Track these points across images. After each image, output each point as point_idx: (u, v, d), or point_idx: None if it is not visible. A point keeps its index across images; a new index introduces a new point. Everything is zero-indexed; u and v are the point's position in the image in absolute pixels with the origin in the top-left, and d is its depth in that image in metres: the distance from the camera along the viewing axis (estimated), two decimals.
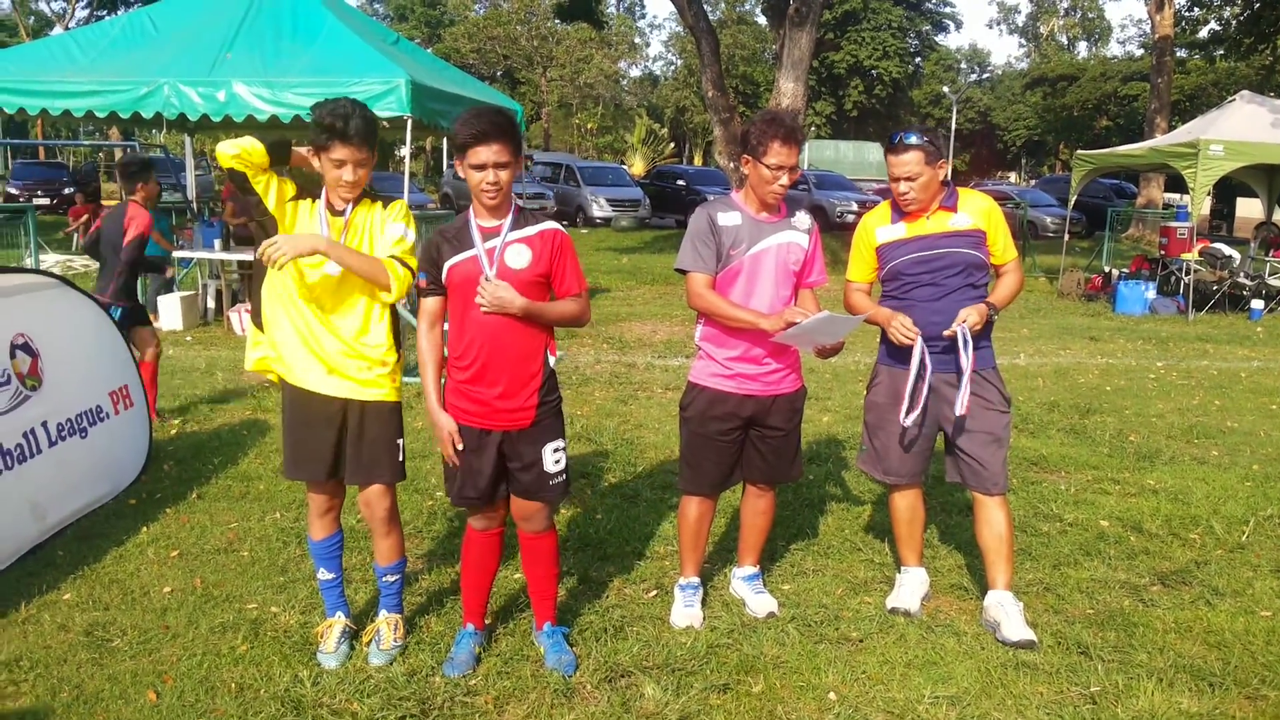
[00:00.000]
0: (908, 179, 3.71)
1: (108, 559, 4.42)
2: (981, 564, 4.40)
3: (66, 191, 26.23)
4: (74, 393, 4.91)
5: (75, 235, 19.15)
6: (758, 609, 3.99)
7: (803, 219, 3.79)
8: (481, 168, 3.19)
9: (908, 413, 3.80)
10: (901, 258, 3.83)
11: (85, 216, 19.19)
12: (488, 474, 3.39)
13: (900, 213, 3.86)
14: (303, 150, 3.38)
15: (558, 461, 3.46)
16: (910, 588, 4.09)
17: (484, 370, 3.30)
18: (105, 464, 5.11)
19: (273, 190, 3.32)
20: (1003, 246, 3.88)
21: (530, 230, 3.34)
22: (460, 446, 3.35)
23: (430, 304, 3.37)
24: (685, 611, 3.92)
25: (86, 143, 31.13)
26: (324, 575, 3.65)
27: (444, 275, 3.30)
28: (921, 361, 3.75)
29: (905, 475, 4.00)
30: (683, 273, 3.75)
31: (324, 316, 3.37)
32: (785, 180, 3.60)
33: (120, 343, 5.46)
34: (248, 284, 10.98)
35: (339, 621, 3.62)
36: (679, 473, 3.97)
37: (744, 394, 3.74)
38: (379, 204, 3.42)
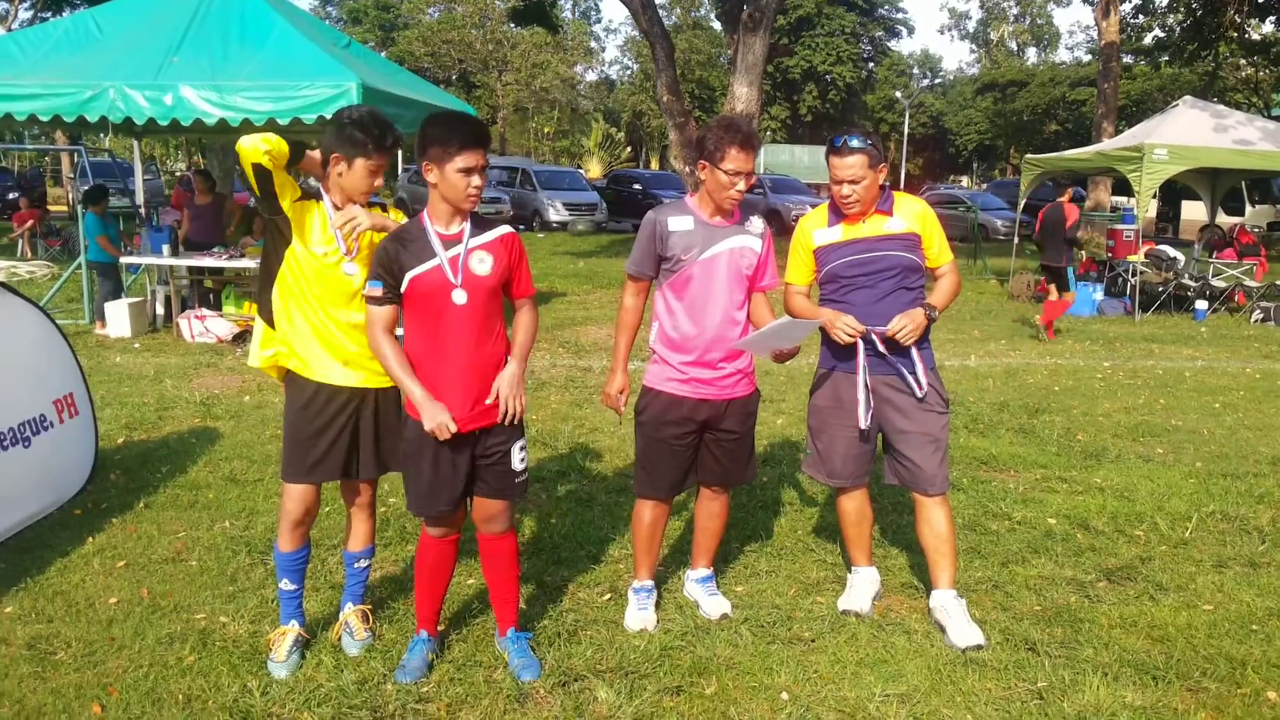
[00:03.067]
0: (851, 182, 3.72)
1: (51, 570, 4.34)
2: None
3: (11, 197, 25.66)
4: (16, 401, 4.82)
5: (20, 241, 18.79)
6: (711, 611, 4.00)
7: (756, 223, 3.82)
8: (469, 171, 3.20)
9: (866, 413, 3.82)
10: (838, 260, 3.84)
11: (30, 222, 18.87)
12: (462, 478, 3.39)
13: (838, 215, 3.88)
14: (315, 154, 3.40)
15: (522, 460, 3.50)
16: (861, 588, 4.13)
17: (453, 378, 3.29)
18: (49, 474, 5.02)
19: (287, 189, 3.35)
20: (938, 249, 3.91)
21: (490, 236, 3.36)
22: (454, 429, 3.28)
23: (385, 312, 3.30)
24: (639, 614, 3.93)
25: (31, 147, 30.54)
26: (287, 586, 3.60)
27: (404, 286, 3.26)
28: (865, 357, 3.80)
29: (849, 478, 4.02)
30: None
31: (342, 318, 3.42)
32: (742, 185, 3.63)
33: (65, 350, 5.36)
34: (197, 290, 10.84)
35: (293, 630, 3.58)
36: (634, 476, 3.97)
37: (699, 398, 3.76)
38: (376, 208, 3.51)
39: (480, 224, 3.37)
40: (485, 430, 3.38)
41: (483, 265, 3.30)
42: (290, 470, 3.51)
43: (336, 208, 3.41)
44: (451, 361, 3.28)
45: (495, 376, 3.35)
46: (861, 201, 3.76)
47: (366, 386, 3.50)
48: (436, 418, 3.23)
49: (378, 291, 3.27)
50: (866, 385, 3.82)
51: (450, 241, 3.29)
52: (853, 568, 4.21)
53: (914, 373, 3.80)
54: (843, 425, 3.92)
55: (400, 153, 16.87)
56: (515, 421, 3.38)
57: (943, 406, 3.91)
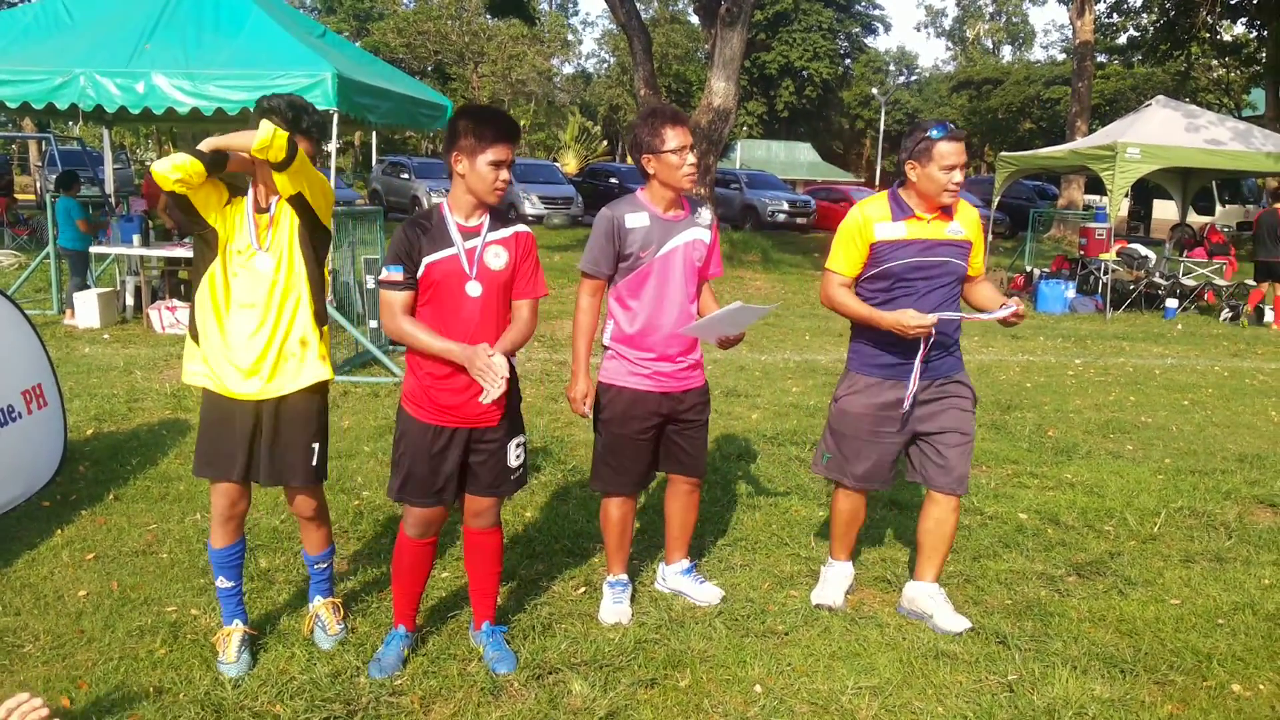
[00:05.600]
0: (961, 167, 3.60)
1: (19, 562, 4.29)
2: (905, 556, 4.51)
3: None
4: None
5: None
6: (709, 597, 4.05)
7: (704, 214, 3.84)
8: (499, 165, 3.21)
9: (910, 405, 3.76)
10: (899, 260, 3.67)
11: None
12: (452, 472, 3.38)
13: (903, 210, 3.70)
14: (244, 155, 3.28)
15: (519, 456, 3.50)
16: (835, 582, 4.14)
17: (463, 370, 3.27)
18: (17, 465, 4.95)
19: (212, 200, 3.27)
20: (981, 259, 3.89)
21: (506, 232, 3.37)
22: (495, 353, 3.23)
23: (403, 298, 3.26)
24: (615, 608, 3.93)
25: None
26: (223, 583, 3.55)
27: (420, 271, 3.25)
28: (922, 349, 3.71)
29: (876, 482, 3.93)
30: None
31: (245, 323, 3.33)
32: (692, 159, 3.63)
33: (34, 340, 5.30)
34: (168, 281, 10.73)
35: (237, 629, 3.52)
36: (596, 476, 3.92)
37: (662, 391, 3.77)
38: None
39: (498, 219, 3.36)
40: (481, 429, 3.38)
41: (498, 260, 3.31)
42: (198, 466, 3.47)
43: (256, 202, 3.34)
44: None
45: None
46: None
47: (263, 398, 3.39)
48: (480, 355, 3.17)
49: (397, 276, 3.24)
50: (916, 381, 3.75)
51: (469, 234, 3.29)
52: (830, 560, 4.22)
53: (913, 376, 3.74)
54: (880, 432, 3.83)
55: (375, 144, 16.74)
56: (498, 404, 3.30)
57: (973, 407, 3.89)
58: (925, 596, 3.93)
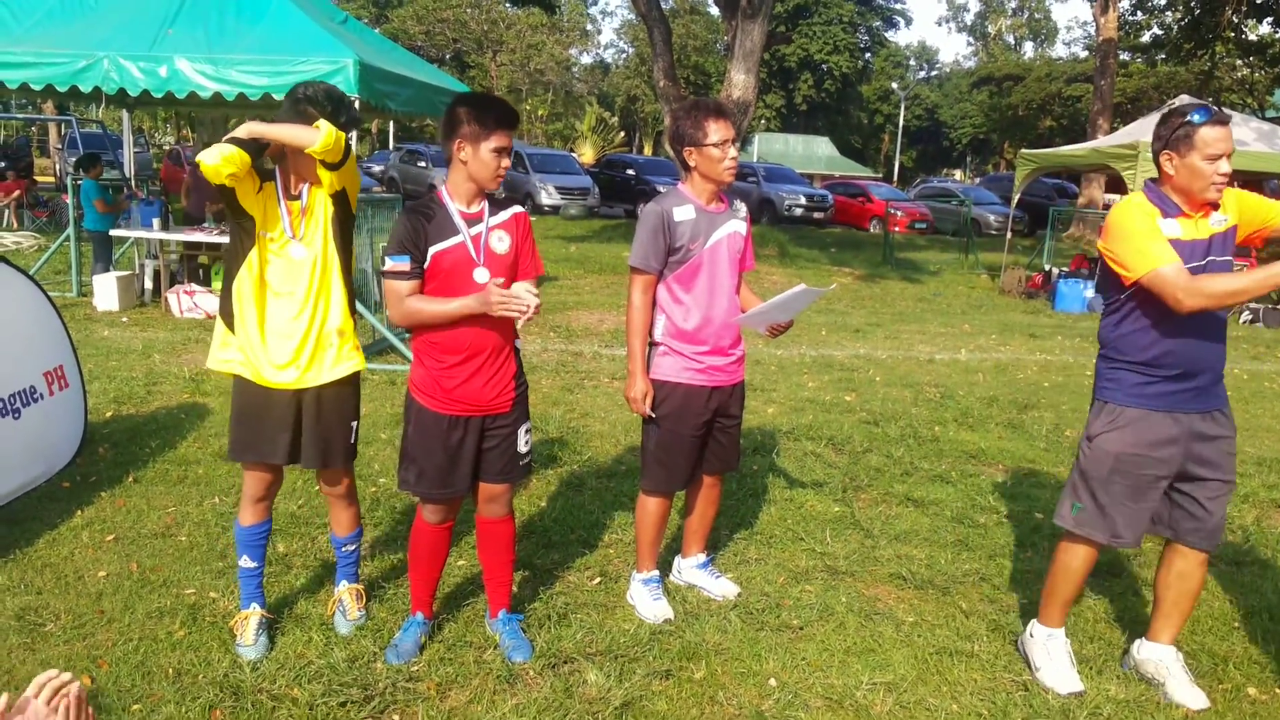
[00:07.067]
0: (1228, 156, 3.05)
1: (40, 542, 4.33)
2: (921, 554, 4.51)
3: None
4: (6, 372, 4.79)
5: (6, 211, 18.66)
6: (726, 592, 4.05)
7: (740, 208, 3.86)
8: (501, 152, 3.21)
9: None
10: (1188, 264, 3.11)
11: (17, 193, 18.73)
12: (472, 460, 3.40)
13: (1169, 208, 3.18)
14: (275, 141, 3.29)
15: (527, 442, 3.52)
16: (1062, 659, 3.53)
17: (472, 357, 3.29)
18: (39, 446, 5.00)
19: (249, 188, 3.27)
20: (1269, 207, 3.25)
21: (505, 215, 3.37)
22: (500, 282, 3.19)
23: (410, 287, 3.22)
24: (656, 605, 3.90)
25: (19, 116, 30.26)
26: (246, 563, 3.57)
27: (427, 260, 3.23)
28: None
29: (1131, 539, 3.37)
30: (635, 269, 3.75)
31: (281, 312, 3.35)
32: (733, 152, 3.64)
33: (56, 321, 5.34)
34: (187, 265, 10.78)
35: (255, 613, 3.55)
36: (647, 475, 3.89)
37: (714, 385, 3.77)
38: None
39: (494, 203, 3.37)
40: (494, 415, 3.40)
41: (502, 244, 3.32)
42: (235, 450, 3.47)
43: (286, 189, 3.34)
44: (471, 343, 3.27)
45: (508, 361, 3.37)
46: None
47: (301, 387, 3.40)
48: (494, 292, 3.11)
49: (404, 265, 3.21)
50: None
51: (472, 220, 3.29)
52: (1049, 629, 3.61)
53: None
54: (1150, 476, 3.30)
55: (393, 131, 16.76)
56: (534, 315, 3.16)
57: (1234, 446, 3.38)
58: (1156, 661, 3.48)
